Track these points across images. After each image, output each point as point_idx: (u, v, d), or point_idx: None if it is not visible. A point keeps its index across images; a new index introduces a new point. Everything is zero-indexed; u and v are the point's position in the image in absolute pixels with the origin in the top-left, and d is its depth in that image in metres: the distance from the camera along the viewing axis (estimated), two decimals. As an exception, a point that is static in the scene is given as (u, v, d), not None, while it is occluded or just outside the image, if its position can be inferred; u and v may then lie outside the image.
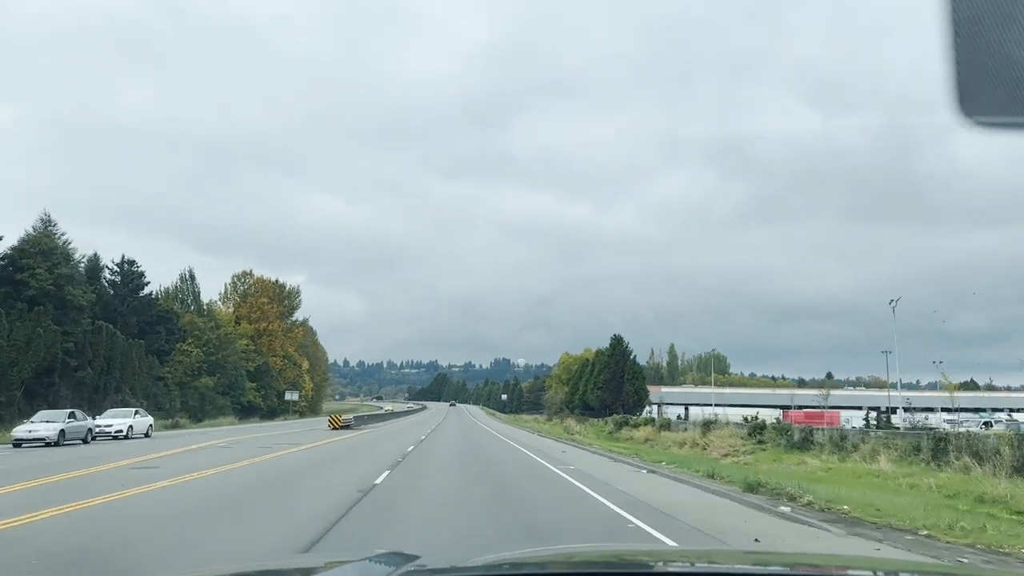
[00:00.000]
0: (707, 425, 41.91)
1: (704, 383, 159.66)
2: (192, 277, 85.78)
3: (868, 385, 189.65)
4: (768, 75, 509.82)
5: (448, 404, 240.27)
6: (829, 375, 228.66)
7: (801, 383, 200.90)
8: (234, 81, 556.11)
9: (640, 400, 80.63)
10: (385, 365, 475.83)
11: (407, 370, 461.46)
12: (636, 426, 56.96)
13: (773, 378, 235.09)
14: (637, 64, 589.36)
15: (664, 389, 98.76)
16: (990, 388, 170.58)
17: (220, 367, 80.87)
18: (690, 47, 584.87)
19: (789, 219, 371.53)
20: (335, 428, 50.25)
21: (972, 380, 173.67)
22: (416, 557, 2.60)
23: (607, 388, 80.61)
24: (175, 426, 54.12)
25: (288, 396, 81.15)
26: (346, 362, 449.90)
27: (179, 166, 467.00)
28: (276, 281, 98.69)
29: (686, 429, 48.94)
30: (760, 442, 34.31)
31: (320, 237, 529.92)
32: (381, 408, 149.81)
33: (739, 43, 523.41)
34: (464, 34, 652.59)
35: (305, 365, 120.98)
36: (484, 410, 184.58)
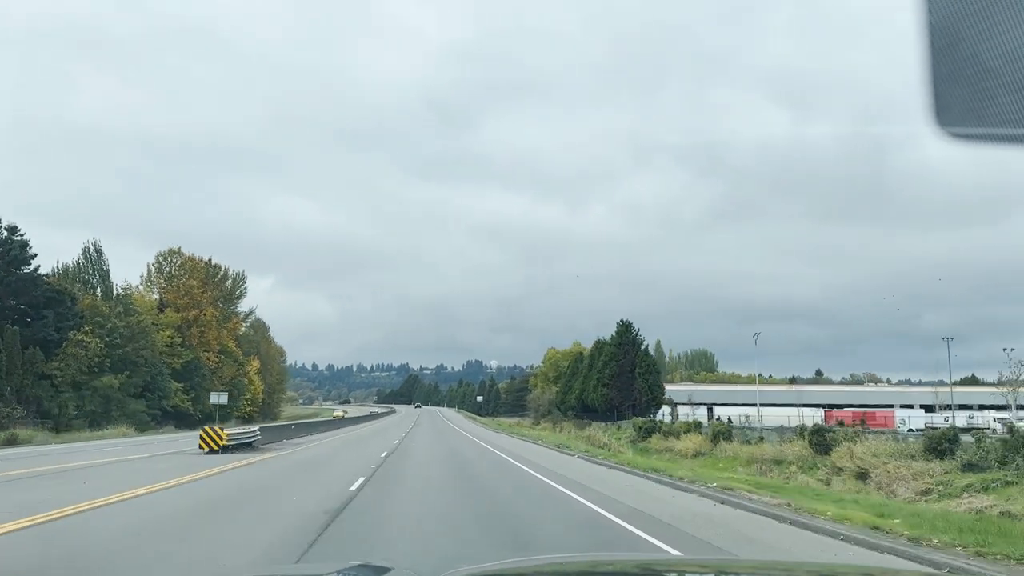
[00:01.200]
0: (819, 434, 26.71)
1: (692, 381, 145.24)
2: (99, 252, 69.05)
3: (861, 382, 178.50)
4: (740, 77, 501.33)
5: (414, 406, 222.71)
6: (819, 372, 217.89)
7: (793, 381, 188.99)
8: (200, 82, 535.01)
9: (655, 399, 65.38)
10: (355, 368, 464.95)
11: (378, 373, 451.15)
12: (673, 434, 41.79)
13: (765, 376, 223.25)
14: (609, 66, 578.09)
15: (669, 387, 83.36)
16: (1002, 383, 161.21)
17: (131, 363, 64.34)
18: (662, 50, 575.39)
19: (762, 220, 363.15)
20: (212, 450, 29.06)
21: (973, 376, 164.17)
22: (388, 569, 2.62)
23: (614, 385, 65.26)
24: (10, 442, 37.41)
25: (214, 399, 64.75)
26: (315, 366, 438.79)
27: (142, 168, 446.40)
28: (209, 261, 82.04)
29: (762, 439, 33.89)
30: (969, 466, 19.19)
31: (288, 239, 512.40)
32: (337, 411, 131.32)
33: (711, 46, 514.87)
34: (434, 36, 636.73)
35: (255, 365, 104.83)
36: (462, 413, 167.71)
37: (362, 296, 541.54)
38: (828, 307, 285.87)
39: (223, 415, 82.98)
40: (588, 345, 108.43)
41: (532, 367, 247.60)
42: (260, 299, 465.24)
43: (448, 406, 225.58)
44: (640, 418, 50.80)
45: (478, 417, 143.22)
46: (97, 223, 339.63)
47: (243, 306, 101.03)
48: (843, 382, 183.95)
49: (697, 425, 41.10)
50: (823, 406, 70.28)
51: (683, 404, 65.63)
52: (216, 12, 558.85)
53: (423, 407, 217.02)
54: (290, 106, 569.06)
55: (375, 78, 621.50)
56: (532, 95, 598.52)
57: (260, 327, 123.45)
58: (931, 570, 8.53)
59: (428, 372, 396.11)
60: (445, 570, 2.39)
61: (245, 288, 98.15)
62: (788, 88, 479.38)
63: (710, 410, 66.25)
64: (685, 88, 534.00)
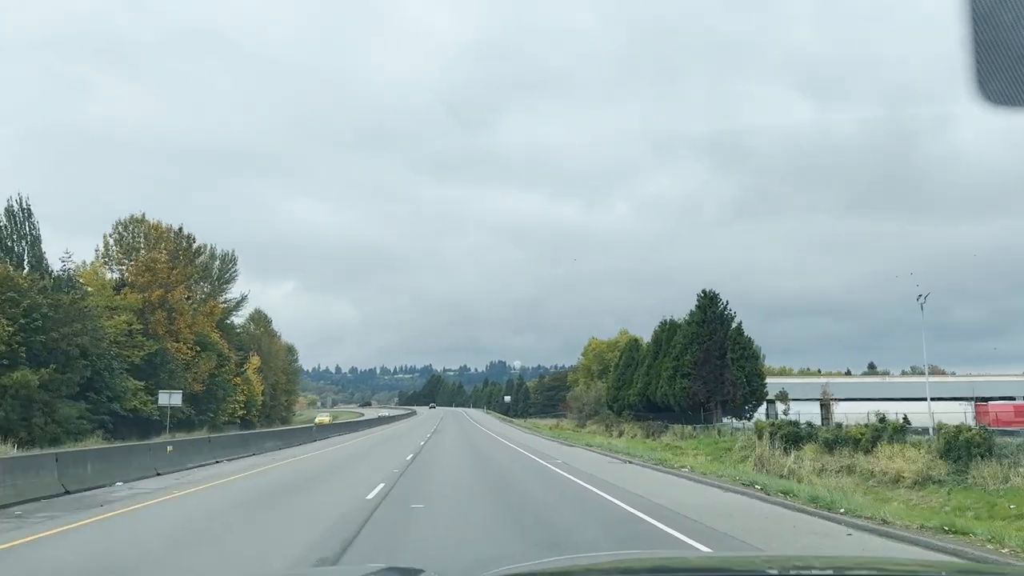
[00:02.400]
0: None
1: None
2: (28, 213, 53.78)
3: (922, 373, 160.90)
4: (762, 66, 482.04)
5: (428, 407, 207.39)
6: (871, 365, 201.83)
7: (848, 373, 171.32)
8: (213, 87, 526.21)
9: (754, 392, 48.63)
10: (378, 371, 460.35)
11: (401, 375, 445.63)
12: (842, 443, 25.33)
13: (816, 370, 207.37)
14: (626, 59, 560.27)
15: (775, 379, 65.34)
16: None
17: (60, 353, 48.89)
18: (680, 40, 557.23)
19: (785, 213, 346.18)
20: None
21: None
22: (420, 571, 2.50)
23: (698, 375, 48.54)
24: None
25: (163, 400, 49.07)
26: (338, 368, 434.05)
27: (157, 174, 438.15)
28: (180, 230, 66.53)
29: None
30: None
31: (308, 244, 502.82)
32: (321, 416, 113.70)
33: (730, 34, 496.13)
34: (447, 34, 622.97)
35: (255, 362, 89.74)
36: (492, 415, 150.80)
37: (383, 298, 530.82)
38: (851, 301, 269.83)
39: (202, 420, 67.73)
40: (637, 333, 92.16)
41: (556, 367, 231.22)
42: (282, 303, 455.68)
43: (474, 407, 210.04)
44: (764, 421, 34.43)
45: (512, 419, 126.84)
46: (103, 227, 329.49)
47: (235, 292, 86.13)
48: (905, 374, 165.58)
49: (899, 431, 24.51)
50: (972, 399, 53.29)
51: (812, 399, 48.90)
52: (229, 16, 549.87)
53: (446, 408, 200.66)
54: (303, 109, 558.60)
55: (390, 79, 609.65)
56: (549, 92, 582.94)
57: (261, 320, 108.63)
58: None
59: (451, 373, 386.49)
60: (481, 571, 2.25)
61: (236, 271, 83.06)
62: (812, 75, 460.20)
63: (825, 408, 49.64)
64: (706, 80, 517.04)
